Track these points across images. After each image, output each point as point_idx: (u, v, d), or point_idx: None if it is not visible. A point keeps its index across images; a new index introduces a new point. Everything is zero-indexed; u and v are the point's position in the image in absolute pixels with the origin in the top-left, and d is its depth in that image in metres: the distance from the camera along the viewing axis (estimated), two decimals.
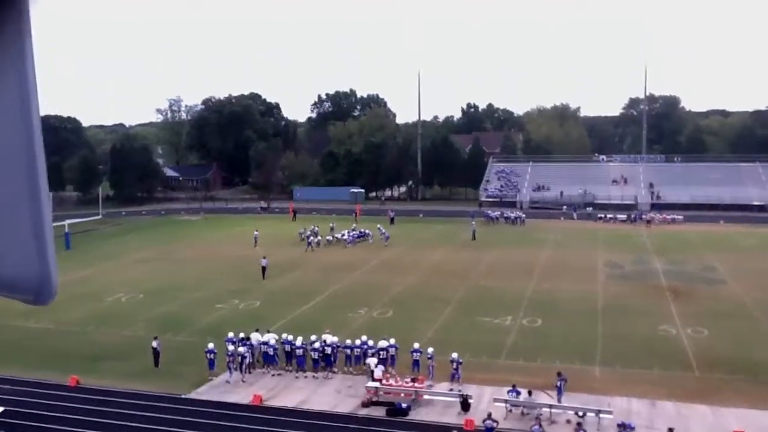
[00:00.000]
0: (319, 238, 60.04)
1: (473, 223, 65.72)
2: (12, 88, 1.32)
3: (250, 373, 28.77)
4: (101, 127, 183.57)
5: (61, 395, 27.15)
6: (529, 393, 24.73)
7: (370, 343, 28.82)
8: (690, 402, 25.13)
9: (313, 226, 62.48)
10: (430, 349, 27.47)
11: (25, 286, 1.34)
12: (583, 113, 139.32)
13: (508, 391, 24.76)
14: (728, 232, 65.50)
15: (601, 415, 23.34)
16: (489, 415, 22.40)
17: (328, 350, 28.47)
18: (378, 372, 26.81)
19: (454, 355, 27.13)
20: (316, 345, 28.63)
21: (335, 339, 29.30)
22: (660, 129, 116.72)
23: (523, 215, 75.36)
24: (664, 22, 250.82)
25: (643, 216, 74.32)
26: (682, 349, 31.23)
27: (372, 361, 27.50)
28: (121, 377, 28.99)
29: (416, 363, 27.59)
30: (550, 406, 24.18)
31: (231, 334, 30.03)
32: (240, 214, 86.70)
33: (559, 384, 24.87)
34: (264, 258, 48.08)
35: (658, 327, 34.51)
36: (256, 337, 29.99)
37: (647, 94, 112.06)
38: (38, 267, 1.34)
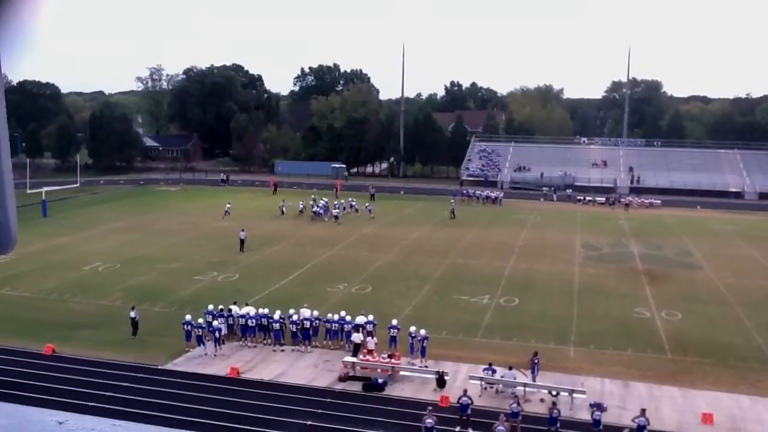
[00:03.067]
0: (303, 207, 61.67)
1: (452, 201, 65.95)
2: None
3: (224, 343, 28.74)
4: (80, 94, 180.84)
5: (37, 363, 27.01)
6: (510, 368, 25.00)
7: (349, 318, 28.96)
8: (662, 384, 25.58)
9: (314, 198, 64.19)
10: (423, 331, 27.45)
11: None
12: (565, 95, 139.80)
13: (484, 369, 25.02)
14: (705, 218, 66.28)
15: (575, 395, 23.69)
16: (464, 392, 22.62)
17: (307, 324, 28.56)
18: (371, 343, 26.95)
19: (422, 331, 27.38)
20: (294, 318, 28.74)
21: (315, 313, 29.37)
22: (641, 113, 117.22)
23: (501, 195, 75.56)
24: (648, 5, 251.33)
25: (622, 199, 74.96)
26: (656, 331, 31.70)
27: (358, 336, 27.66)
28: (97, 346, 28.89)
29: (393, 339, 27.78)
30: (525, 385, 24.49)
31: (211, 307, 30.02)
32: (219, 185, 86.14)
33: (535, 362, 25.22)
34: (242, 231, 47.97)
35: (633, 309, 34.98)
36: (234, 310, 30.04)
37: (630, 77, 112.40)
38: None
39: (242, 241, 47.14)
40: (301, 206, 62.09)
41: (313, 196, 65.26)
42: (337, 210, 60.85)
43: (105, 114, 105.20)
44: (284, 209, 61.89)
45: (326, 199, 64.17)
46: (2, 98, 1.41)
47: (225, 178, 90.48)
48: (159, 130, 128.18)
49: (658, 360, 28.20)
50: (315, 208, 61.42)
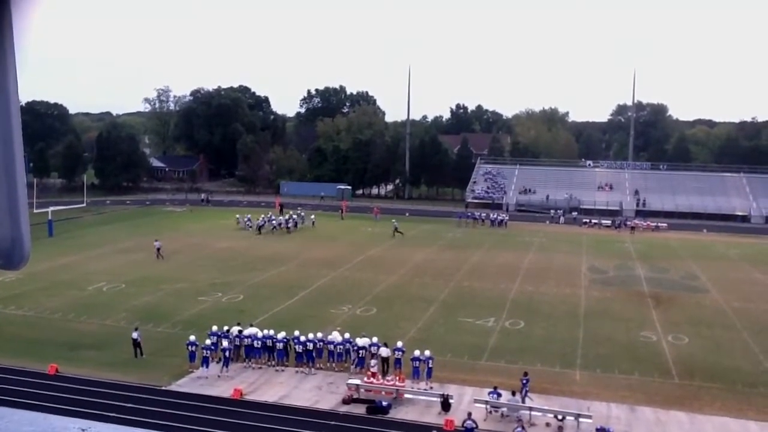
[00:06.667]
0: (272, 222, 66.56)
1: (394, 221, 66.51)
2: None
3: (229, 365, 28.56)
4: (88, 114, 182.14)
5: (40, 383, 26.92)
6: (513, 393, 24.84)
7: (360, 342, 28.84)
8: (669, 408, 25.32)
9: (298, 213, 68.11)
10: (428, 352, 27.38)
11: None
12: (571, 118, 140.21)
13: (489, 393, 24.83)
14: (711, 241, 66.03)
15: (581, 419, 23.45)
16: (469, 416, 22.44)
17: (310, 346, 28.44)
18: (374, 367, 26.87)
19: (427, 352, 27.31)
20: (301, 339, 28.67)
21: (320, 335, 29.20)
22: (647, 136, 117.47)
23: (507, 217, 75.43)
24: (654, 29, 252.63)
25: (628, 222, 74.81)
26: (663, 355, 31.45)
27: (386, 350, 27.94)
28: (101, 367, 28.78)
29: (398, 361, 27.62)
30: (530, 409, 24.26)
31: (215, 328, 29.94)
32: (225, 206, 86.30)
33: (524, 382, 25.13)
34: (156, 240, 51.92)
35: (639, 333, 34.73)
36: (238, 331, 29.93)
37: (635, 101, 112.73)
38: (10, 231, 1.35)
39: (158, 249, 50.84)
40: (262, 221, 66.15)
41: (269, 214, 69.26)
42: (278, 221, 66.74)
43: (112, 134, 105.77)
44: (259, 225, 65.20)
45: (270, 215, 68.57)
46: (18, 114, 1.42)
47: (206, 198, 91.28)
48: (165, 151, 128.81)
49: (665, 384, 27.93)
50: (261, 222, 65.57)
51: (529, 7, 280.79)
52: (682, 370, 29.42)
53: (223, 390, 26.55)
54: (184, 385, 27.29)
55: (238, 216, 69.45)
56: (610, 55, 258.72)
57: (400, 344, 28.34)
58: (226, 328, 30.11)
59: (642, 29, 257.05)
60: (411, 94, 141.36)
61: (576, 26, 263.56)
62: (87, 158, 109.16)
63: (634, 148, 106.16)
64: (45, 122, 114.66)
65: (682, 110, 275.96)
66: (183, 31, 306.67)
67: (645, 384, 27.87)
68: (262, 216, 67.83)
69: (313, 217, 70.76)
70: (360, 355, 28.16)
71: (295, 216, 68.57)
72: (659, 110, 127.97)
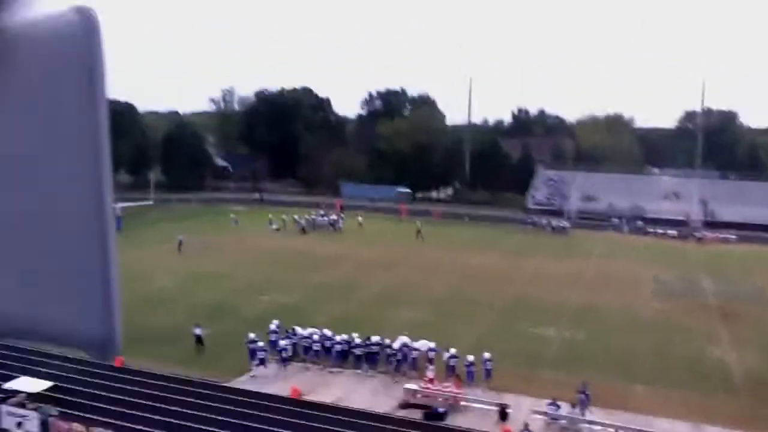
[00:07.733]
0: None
1: (417, 222, 66.73)
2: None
3: (289, 363, 28.92)
4: (155, 113, 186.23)
5: (106, 374, 27.73)
6: (573, 406, 24.47)
7: (415, 344, 29.01)
8: (734, 429, 24.52)
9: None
10: (486, 354, 27.54)
11: (88, 343, 1.31)
12: (636, 124, 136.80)
13: (548, 404, 24.50)
14: None
15: None
16: (526, 426, 22.18)
17: (374, 348, 28.63)
18: (430, 373, 26.94)
19: (486, 354, 27.22)
20: (358, 341, 28.89)
21: (377, 338, 29.33)
22: (715, 144, 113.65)
23: (568, 224, 74.35)
24: (723, 34, 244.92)
25: (695, 233, 72.71)
26: (729, 372, 30.49)
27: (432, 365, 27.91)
28: (164, 361, 29.51)
29: (452, 369, 27.54)
30: (590, 423, 23.85)
31: (272, 326, 30.35)
32: (287, 206, 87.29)
33: (587, 394, 24.71)
34: (180, 235, 55.57)
35: (704, 347, 33.77)
36: (298, 331, 30.31)
37: (704, 107, 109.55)
38: (103, 326, 1.31)
39: (180, 242, 54.53)
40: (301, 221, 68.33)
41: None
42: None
43: (178, 133, 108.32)
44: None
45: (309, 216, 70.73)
46: (109, 203, 1.32)
47: (260, 197, 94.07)
48: (229, 151, 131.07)
49: (731, 403, 27.06)
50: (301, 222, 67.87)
51: (595, 9, 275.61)
52: (749, 388, 28.46)
53: (281, 389, 26.88)
54: (243, 382, 27.76)
55: (232, 216, 71.72)
56: (677, 60, 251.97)
57: (453, 351, 28.26)
58: (274, 326, 30.49)
59: (710, 33, 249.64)
60: (472, 97, 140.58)
61: (642, 30, 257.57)
62: (154, 156, 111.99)
63: (702, 156, 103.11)
64: (115, 120, 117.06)
65: (752, 117, 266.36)
66: (248, 34, 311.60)
67: (709, 401, 27.07)
68: (306, 216, 69.21)
69: (360, 218, 71.21)
70: (406, 359, 28.33)
71: (319, 217, 70.57)
72: (728, 117, 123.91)
